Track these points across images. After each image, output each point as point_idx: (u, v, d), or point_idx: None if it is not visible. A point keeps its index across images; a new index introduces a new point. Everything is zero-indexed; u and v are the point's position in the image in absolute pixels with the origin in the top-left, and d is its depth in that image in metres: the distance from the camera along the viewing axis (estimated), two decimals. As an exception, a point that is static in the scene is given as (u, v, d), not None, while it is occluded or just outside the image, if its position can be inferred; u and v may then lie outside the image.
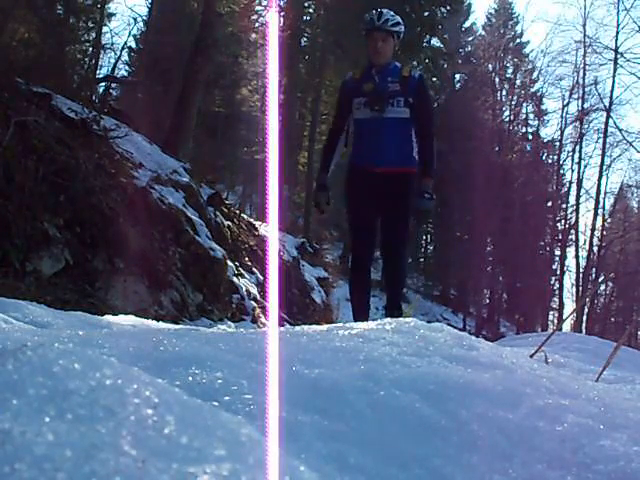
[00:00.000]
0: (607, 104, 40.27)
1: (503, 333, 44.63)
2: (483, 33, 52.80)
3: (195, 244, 11.39)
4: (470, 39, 51.60)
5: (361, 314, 6.21)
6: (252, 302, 12.31)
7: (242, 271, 12.95)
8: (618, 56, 39.47)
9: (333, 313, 18.55)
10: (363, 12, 17.33)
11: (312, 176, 28.13)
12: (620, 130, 40.48)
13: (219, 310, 11.27)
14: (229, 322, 11.04)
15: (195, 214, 12.12)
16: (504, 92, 50.32)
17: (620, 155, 43.47)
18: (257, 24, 25.67)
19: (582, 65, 42.11)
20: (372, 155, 6.30)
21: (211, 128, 26.44)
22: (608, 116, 40.27)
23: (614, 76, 40.06)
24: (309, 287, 17.00)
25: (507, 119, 49.43)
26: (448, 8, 23.89)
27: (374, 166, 6.23)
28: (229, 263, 12.28)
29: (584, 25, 41.16)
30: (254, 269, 13.89)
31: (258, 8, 24.77)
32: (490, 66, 49.18)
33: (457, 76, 49.61)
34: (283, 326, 11.66)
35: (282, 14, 25.50)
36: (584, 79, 42.23)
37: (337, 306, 20.03)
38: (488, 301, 48.65)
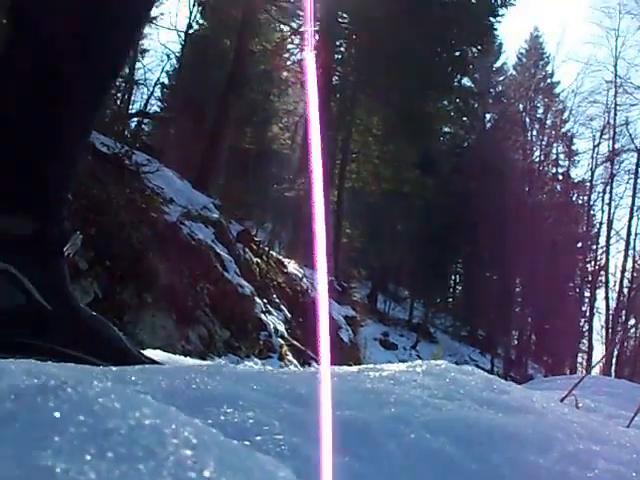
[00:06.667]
0: (638, 145, 40.19)
1: (531, 375, 44.16)
2: (514, 73, 52.81)
3: (223, 280, 11.44)
4: (501, 79, 51.56)
5: None
6: (279, 339, 12.29)
7: (270, 308, 12.96)
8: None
9: (360, 352, 18.50)
10: (393, 51, 17.47)
11: (342, 215, 28.22)
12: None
13: (246, 347, 11.27)
14: (256, 359, 11.03)
15: (224, 250, 12.18)
16: (534, 132, 50.17)
17: (652, 198, 43.06)
18: (289, 62, 25.94)
19: (613, 105, 42.09)
20: None
21: (242, 165, 26.63)
22: (639, 157, 40.18)
23: (646, 117, 40.08)
24: (337, 325, 16.94)
25: (537, 159, 49.22)
26: (479, 48, 24.03)
27: None
28: (257, 300, 12.30)
29: (615, 65, 41.25)
30: (282, 306, 13.89)
31: (290, 46, 25.06)
32: (521, 106, 49.11)
33: (487, 115, 49.59)
34: (310, 364, 11.60)
35: (315, 52, 25.69)
36: (615, 119, 42.18)
37: (364, 345, 20.00)
38: (516, 342, 48.26)
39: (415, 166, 30.02)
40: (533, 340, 49.63)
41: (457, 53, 21.71)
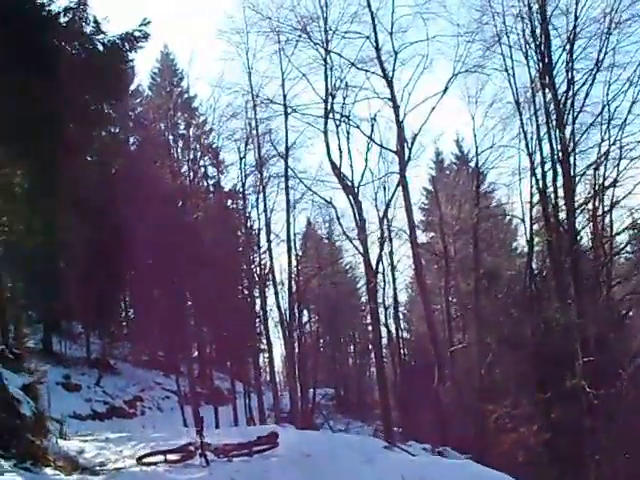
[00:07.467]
0: (283, 151, 41.87)
1: (218, 386, 45.16)
2: (150, 93, 52.76)
3: None
4: (138, 101, 51.00)
5: None
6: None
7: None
8: (287, 105, 41.39)
9: (45, 420, 17.98)
10: (33, 117, 17.15)
11: (2, 273, 27.16)
12: (298, 177, 42.40)
13: None
14: None
15: None
16: (179, 149, 49.89)
17: (302, 196, 44.52)
18: None
19: (254, 116, 43.00)
20: None
21: None
22: (286, 162, 41.93)
23: (286, 124, 41.72)
24: (16, 401, 16.42)
25: (187, 174, 48.98)
26: (117, 97, 23.94)
27: None
28: None
29: (250, 79, 42.14)
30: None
31: None
32: (162, 125, 48.63)
33: (131, 139, 49.11)
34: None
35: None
36: (257, 129, 43.03)
37: (47, 393, 19.34)
38: (197, 355, 48.71)
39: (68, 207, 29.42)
40: (214, 350, 50.38)
41: (93, 107, 21.65)
